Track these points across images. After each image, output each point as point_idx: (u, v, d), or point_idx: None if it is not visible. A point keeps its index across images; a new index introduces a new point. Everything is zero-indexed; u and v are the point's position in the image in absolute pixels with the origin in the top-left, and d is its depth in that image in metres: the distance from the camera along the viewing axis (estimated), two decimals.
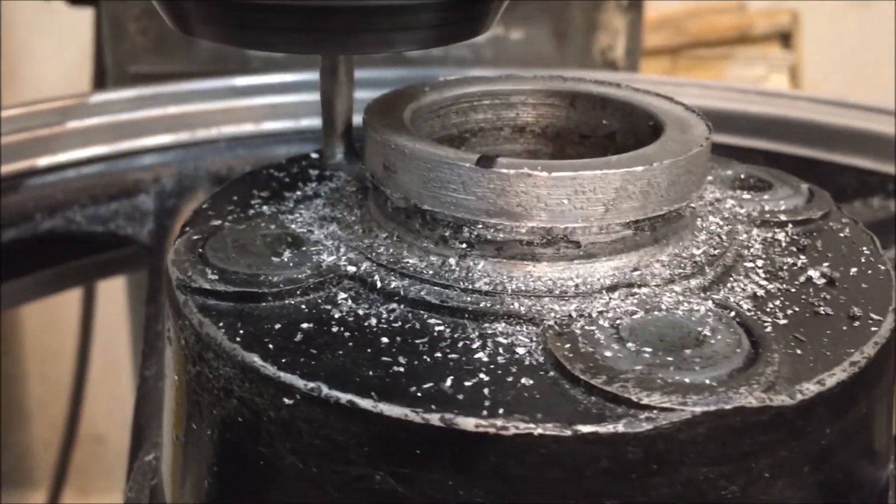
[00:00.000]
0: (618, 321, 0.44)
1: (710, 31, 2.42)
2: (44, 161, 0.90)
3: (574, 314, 0.45)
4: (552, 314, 0.45)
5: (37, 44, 1.97)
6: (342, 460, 0.41)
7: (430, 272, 0.47)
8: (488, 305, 0.45)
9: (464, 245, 0.48)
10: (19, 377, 1.98)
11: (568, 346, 0.42)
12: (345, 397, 0.40)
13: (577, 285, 0.46)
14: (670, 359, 0.41)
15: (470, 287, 0.46)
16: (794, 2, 2.50)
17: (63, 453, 1.53)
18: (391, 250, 0.49)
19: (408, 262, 0.48)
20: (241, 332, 0.44)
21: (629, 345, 0.42)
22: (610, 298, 0.46)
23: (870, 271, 0.51)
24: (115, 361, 1.67)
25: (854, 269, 0.51)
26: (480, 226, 0.47)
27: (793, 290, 0.49)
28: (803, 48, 2.51)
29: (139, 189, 0.88)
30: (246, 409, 0.43)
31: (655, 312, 0.45)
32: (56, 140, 0.88)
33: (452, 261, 0.48)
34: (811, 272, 0.50)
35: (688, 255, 0.50)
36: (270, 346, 0.43)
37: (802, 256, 0.53)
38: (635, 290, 0.47)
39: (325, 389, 0.40)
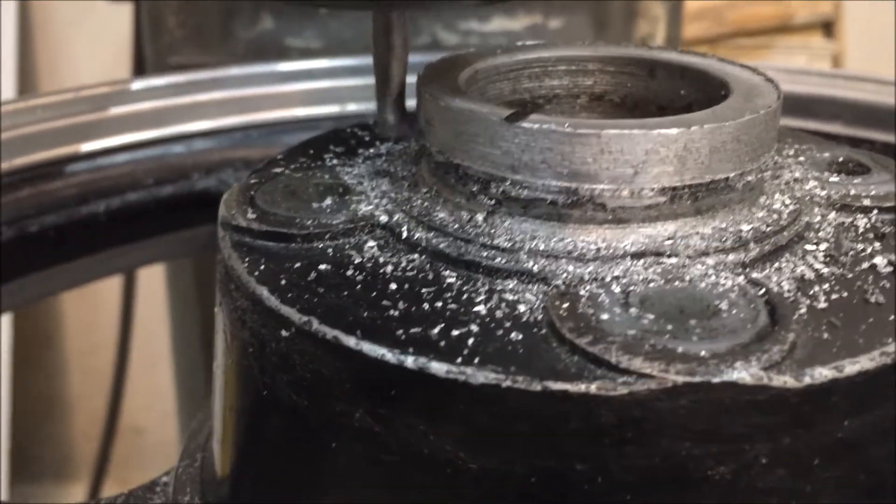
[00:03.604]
0: (631, 287, 0.42)
1: (750, 20, 2.36)
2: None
3: (587, 277, 0.43)
4: (564, 275, 0.43)
5: (75, 40, 2.01)
6: (327, 395, 0.41)
7: (456, 226, 0.47)
8: (503, 262, 0.44)
9: (492, 202, 0.47)
10: (61, 370, 1.98)
11: (566, 305, 0.41)
12: (331, 333, 0.41)
13: (598, 249, 0.44)
14: (670, 327, 0.39)
15: (489, 243, 0.45)
16: None
17: (103, 445, 1.54)
18: (426, 204, 0.49)
19: (437, 216, 0.48)
20: (262, 267, 0.46)
21: (632, 310, 0.40)
22: (632, 265, 0.44)
23: None
24: (155, 354, 1.69)
25: None
26: (507, 182, 0.46)
27: (850, 275, 0.45)
28: (845, 37, 2.39)
29: None
30: (255, 340, 0.45)
31: (676, 283, 0.42)
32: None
33: (480, 217, 0.47)
34: (877, 259, 0.46)
35: (734, 230, 0.46)
36: (283, 281, 0.45)
37: (877, 243, 0.48)
38: (663, 259, 0.44)
39: (315, 324, 0.41)
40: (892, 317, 0.41)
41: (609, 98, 0.59)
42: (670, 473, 0.37)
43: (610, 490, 0.37)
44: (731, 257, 0.45)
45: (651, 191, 0.45)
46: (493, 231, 0.46)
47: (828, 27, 2.46)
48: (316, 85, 0.94)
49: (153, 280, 1.47)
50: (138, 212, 0.91)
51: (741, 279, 0.42)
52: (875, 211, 0.50)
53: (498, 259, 0.45)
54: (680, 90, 0.56)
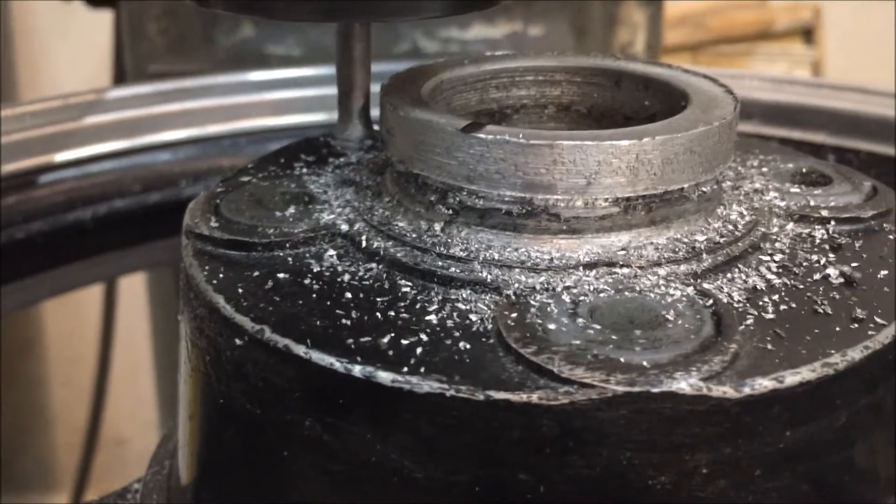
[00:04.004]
0: (581, 297, 0.42)
1: (731, 27, 2.40)
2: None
3: (538, 287, 0.43)
4: (516, 285, 0.44)
5: (56, 48, 1.99)
6: (279, 404, 0.42)
7: (414, 236, 0.48)
8: (457, 272, 0.45)
9: (449, 211, 0.47)
10: (42, 381, 1.94)
11: (514, 315, 0.41)
12: (283, 341, 0.41)
13: (551, 259, 0.45)
14: (615, 337, 0.39)
15: (445, 252, 0.46)
16: None
17: (85, 456, 1.51)
18: (386, 213, 0.50)
19: (397, 226, 0.49)
20: (220, 276, 0.46)
21: (580, 321, 0.40)
22: (584, 275, 0.44)
23: None
24: (136, 364, 1.67)
25: (885, 272, 0.46)
26: (464, 192, 0.46)
27: (801, 286, 0.45)
28: (825, 44, 2.44)
29: None
30: (212, 348, 0.45)
31: (626, 293, 0.43)
32: None
33: (437, 226, 0.48)
34: (830, 270, 0.46)
35: (689, 241, 0.47)
36: (240, 290, 0.45)
37: (832, 255, 0.48)
38: (615, 269, 0.44)
39: (267, 332, 0.42)
40: (839, 328, 0.41)
41: (576, 108, 0.59)
42: (612, 483, 0.37)
43: (553, 499, 0.38)
44: (682, 268, 0.45)
45: (605, 201, 0.45)
46: (449, 241, 0.47)
47: (808, 34, 2.51)
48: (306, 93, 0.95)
49: (134, 290, 1.46)
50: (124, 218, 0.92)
51: (690, 290, 0.43)
52: (832, 222, 0.51)
53: (452, 269, 0.45)
54: (644, 101, 0.56)
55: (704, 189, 0.48)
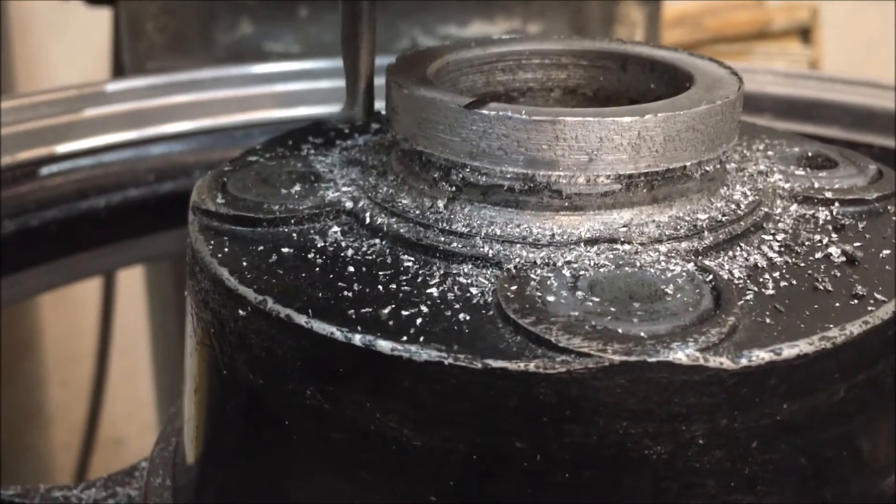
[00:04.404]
0: (582, 272, 0.43)
1: (728, 27, 2.42)
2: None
3: (539, 261, 0.44)
4: (517, 259, 0.44)
5: (54, 46, 1.99)
6: (281, 373, 0.42)
7: (417, 212, 0.48)
8: (459, 247, 0.45)
9: (453, 188, 0.48)
10: (40, 381, 1.92)
11: (514, 288, 0.41)
12: (284, 311, 0.42)
13: (553, 235, 0.45)
14: (613, 309, 0.39)
15: (447, 228, 0.46)
16: None
17: (83, 456, 1.51)
18: (391, 191, 0.50)
19: (400, 202, 0.49)
20: (226, 250, 0.47)
21: (579, 293, 0.41)
22: (585, 251, 0.44)
23: None
24: (134, 364, 1.68)
25: (887, 251, 0.46)
26: (467, 169, 0.47)
27: (802, 264, 0.45)
28: (822, 43, 2.46)
29: None
30: (216, 321, 0.46)
31: (626, 268, 0.43)
32: None
33: (441, 203, 0.48)
34: (832, 249, 0.46)
35: (691, 219, 0.47)
36: (244, 263, 0.46)
37: (834, 234, 0.48)
38: (617, 246, 0.45)
39: (270, 303, 0.42)
40: (839, 304, 0.41)
41: (582, 91, 0.60)
42: (608, 452, 0.38)
43: (550, 467, 0.38)
44: (684, 245, 0.45)
45: (607, 178, 0.45)
46: (452, 217, 0.47)
47: (805, 34, 2.54)
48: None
49: (133, 288, 1.46)
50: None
51: (691, 265, 0.43)
52: (836, 203, 0.51)
53: (455, 244, 0.45)
54: (650, 83, 0.56)
55: (707, 168, 0.48)
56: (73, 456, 1.56)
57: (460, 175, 0.47)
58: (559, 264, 0.43)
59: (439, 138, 0.47)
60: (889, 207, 0.51)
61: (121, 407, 1.81)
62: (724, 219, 0.47)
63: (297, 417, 0.42)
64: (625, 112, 0.45)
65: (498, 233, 0.46)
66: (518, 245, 0.45)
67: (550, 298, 0.40)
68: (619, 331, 0.38)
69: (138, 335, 1.50)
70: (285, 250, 0.47)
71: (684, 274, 0.42)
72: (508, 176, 0.46)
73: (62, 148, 0.88)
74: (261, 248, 0.47)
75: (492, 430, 0.38)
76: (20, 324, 1.76)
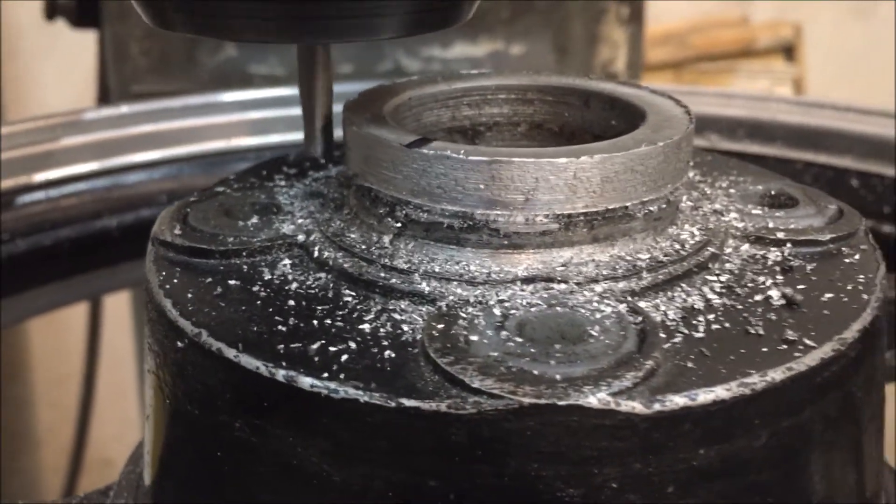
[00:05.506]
0: (512, 311, 0.43)
1: (713, 45, 2.43)
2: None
3: (472, 300, 0.44)
4: (451, 297, 0.44)
5: (41, 68, 1.99)
6: (213, 405, 0.43)
7: (363, 247, 0.49)
8: (398, 283, 0.46)
9: (398, 224, 0.48)
10: (27, 403, 1.91)
11: (441, 326, 0.42)
12: (216, 345, 0.43)
13: (489, 273, 0.46)
14: (533, 350, 0.40)
15: (389, 264, 0.47)
16: (796, 15, 2.47)
17: (71, 478, 1.50)
18: (343, 225, 0.51)
19: (349, 237, 0.50)
20: (175, 281, 0.48)
21: (504, 333, 0.41)
22: (519, 290, 0.45)
23: (846, 299, 0.46)
24: (122, 385, 1.67)
25: (829, 295, 0.46)
26: (410, 206, 0.47)
27: (739, 307, 0.45)
28: (806, 61, 2.46)
29: None
30: (161, 351, 0.47)
31: (557, 308, 0.43)
32: None
33: (386, 238, 0.49)
34: (772, 292, 0.46)
35: (631, 259, 0.47)
36: (189, 295, 0.47)
37: (780, 276, 0.48)
38: (553, 285, 0.45)
39: (204, 336, 0.43)
40: (766, 349, 0.41)
41: (548, 126, 0.60)
42: (521, 493, 0.38)
43: None
44: (620, 285, 0.45)
45: (544, 217, 0.46)
46: (395, 252, 0.48)
47: (789, 51, 2.55)
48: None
49: (119, 310, 1.46)
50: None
51: (622, 307, 0.43)
52: (788, 245, 0.51)
53: (393, 280, 0.46)
54: (611, 120, 0.57)
55: (651, 208, 0.48)
56: (61, 477, 1.56)
57: (404, 212, 0.48)
58: (491, 303, 0.44)
59: (384, 175, 0.48)
60: (844, 249, 0.51)
61: (109, 427, 1.82)
62: (665, 259, 0.47)
63: (228, 449, 0.43)
64: (562, 153, 0.45)
65: (437, 269, 0.46)
66: (455, 282, 0.45)
67: (474, 338, 0.41)
68: (535, 372, 0.38)
69: (125, 356, 1.52)
70: (232, 282, 0.48)
71: (613, 315, 0.42)
72: (448, 214, 0.46)
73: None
74: (209, 279, 0.48)
75: (407, 468, 0.39)
76: (9, 347, 1.76)
